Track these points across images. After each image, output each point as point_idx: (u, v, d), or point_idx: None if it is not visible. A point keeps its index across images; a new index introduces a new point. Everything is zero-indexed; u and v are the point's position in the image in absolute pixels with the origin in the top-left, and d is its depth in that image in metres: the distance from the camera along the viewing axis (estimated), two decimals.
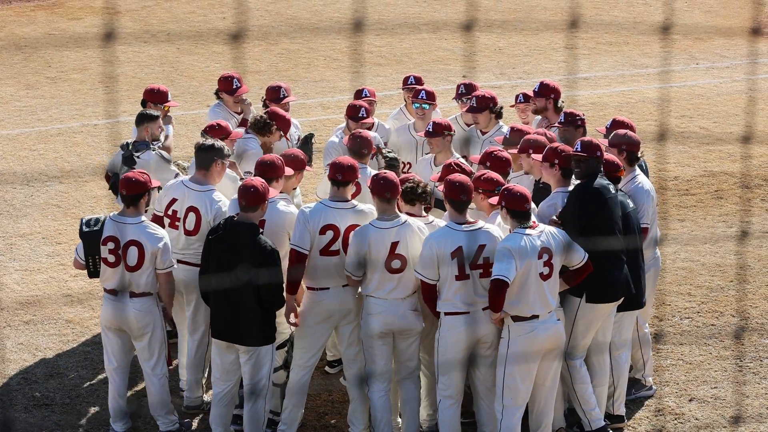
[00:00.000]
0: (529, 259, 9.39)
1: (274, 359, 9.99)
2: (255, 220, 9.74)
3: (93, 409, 10.99)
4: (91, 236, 10.15)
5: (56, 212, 15.63)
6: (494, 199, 9.82)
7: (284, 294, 9.90)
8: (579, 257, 9.72)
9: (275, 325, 9.97)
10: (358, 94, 12.63)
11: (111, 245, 10.07)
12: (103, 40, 16.62)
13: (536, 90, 12.18)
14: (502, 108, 12.18)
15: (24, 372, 11.64)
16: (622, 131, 10.79)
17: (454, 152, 11.49)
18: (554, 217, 9.94)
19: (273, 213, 10.07)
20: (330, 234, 9.93)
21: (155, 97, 12.59)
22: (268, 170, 10.19)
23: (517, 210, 9.52)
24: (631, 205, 10.27)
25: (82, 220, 10.27)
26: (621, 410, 10.63)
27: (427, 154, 11.97)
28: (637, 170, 10.72)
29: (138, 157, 11.36)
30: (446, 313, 9.70)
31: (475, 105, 11.99)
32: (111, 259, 10.09)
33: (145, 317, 10.16)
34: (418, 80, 13.10)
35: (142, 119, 11.75)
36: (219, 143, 10.72)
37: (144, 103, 12.63)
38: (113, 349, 10.34)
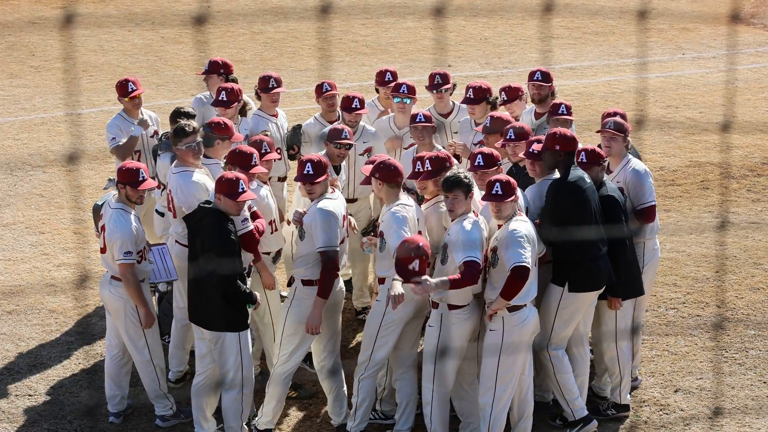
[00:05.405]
0: (534, 245, 9.50)
1: (243, 350, 9.77)
2: (230, 209, 9.64)
3: (76, 400, 10.94)
4: (94, 212, 10.72)
5: (39, 202, 15.56)
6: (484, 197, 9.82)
7: (242, 286, 9.70)
8: (542, 247, 9.82)
9: (242, 313, 9.78)
10: (319, 89, 12.45)
11: (101, 224, 10.26)
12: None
13: (539, 78, 12.11)
14: (497, 99, 12.14)
15: (6, 362, 11.58)
16: (609, 118, 10.77)
17: (436, 145, 11.47)
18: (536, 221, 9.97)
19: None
20: (344, 224, 10.17)
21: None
22: (237, 159, 10.21)
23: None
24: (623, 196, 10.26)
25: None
26: (626, 399, 10.65)
27: (407, 147, 11.93)
28: (629, 155, 10.66)
29: (158, 154, 11.41)
30: (451, 306, 9.66)
31: (471, 96, 11.94)
32: (100, 239, 10.31)
33: (116, 301, 10.23)
34: (394, 75, 12.96)
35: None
36: (187, 126, 10.61)
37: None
38: (107, 327, 10.53)
